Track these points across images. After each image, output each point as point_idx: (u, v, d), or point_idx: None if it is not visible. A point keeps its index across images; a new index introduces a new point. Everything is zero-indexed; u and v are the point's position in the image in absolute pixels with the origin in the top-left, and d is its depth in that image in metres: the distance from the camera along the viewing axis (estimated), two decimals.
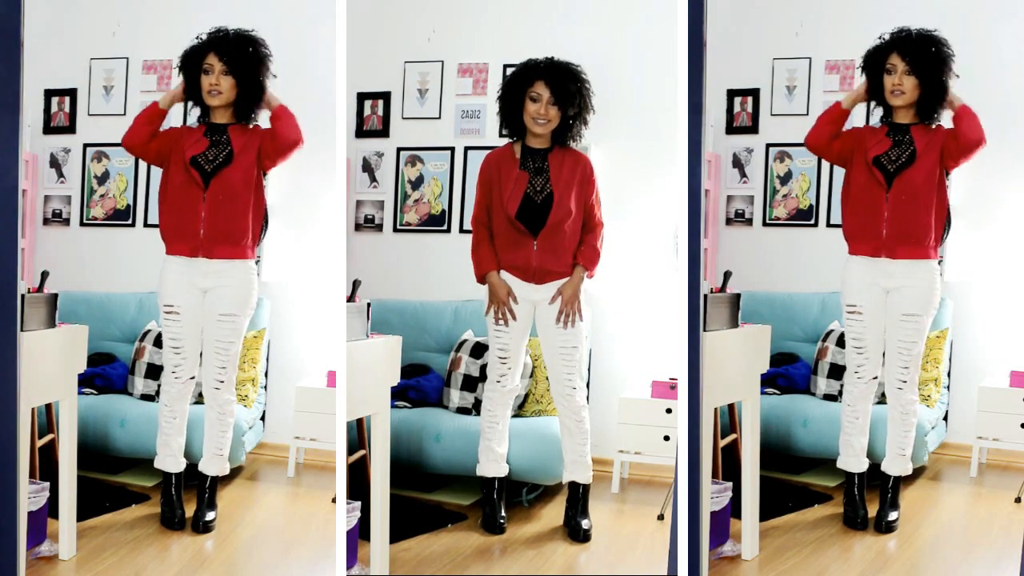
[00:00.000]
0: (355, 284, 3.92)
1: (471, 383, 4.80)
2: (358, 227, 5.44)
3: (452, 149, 5.35)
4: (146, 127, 4.11)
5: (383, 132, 5.44)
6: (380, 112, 5.44)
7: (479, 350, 4.81)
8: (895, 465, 4.25)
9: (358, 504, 3.71)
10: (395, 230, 5.41)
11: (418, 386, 4.88)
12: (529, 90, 4.08)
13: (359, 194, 5.45)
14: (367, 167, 5.45)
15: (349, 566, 3.67)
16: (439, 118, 5.37)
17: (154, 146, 4.13)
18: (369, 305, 3.92)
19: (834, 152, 4.17)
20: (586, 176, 4.16)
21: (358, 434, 4.24)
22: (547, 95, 4.06)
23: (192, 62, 4.10)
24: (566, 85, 4.06)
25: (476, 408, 4.76)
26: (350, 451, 4.11)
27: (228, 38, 4.08)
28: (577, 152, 4.18)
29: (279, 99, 4.11)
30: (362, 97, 5.45)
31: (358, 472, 4.15)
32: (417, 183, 5.39)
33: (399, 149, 5.42)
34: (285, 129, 4.06)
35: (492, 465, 4.28)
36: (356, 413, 3.80)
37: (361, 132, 5.46)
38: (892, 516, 4.20)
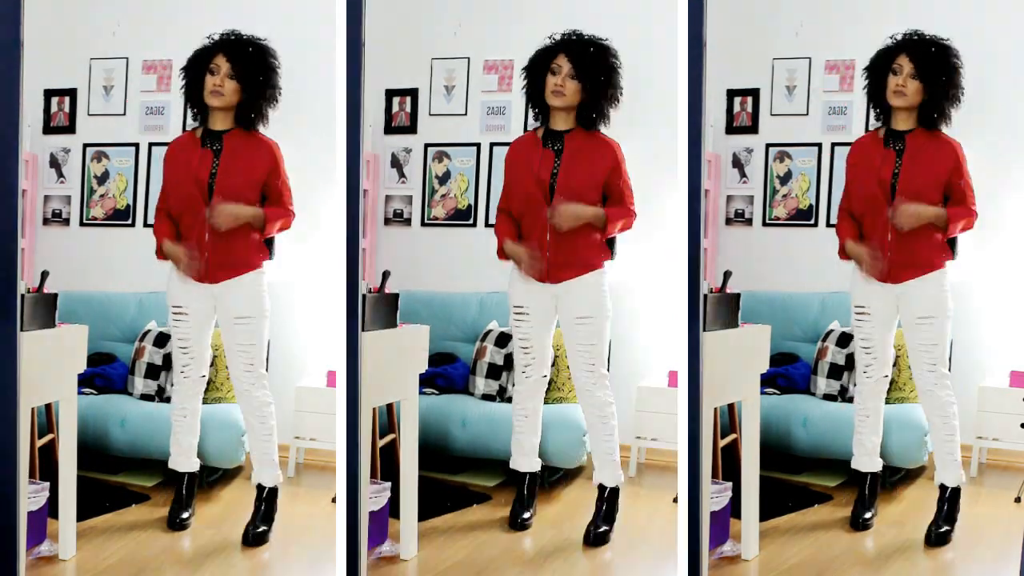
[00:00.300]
0: (385, 275, 4.03)
1: (496, 371, 4.90)
2: (387, 221, 5.46)
3: (478, 145, 5.37)
4: (164, 225, 4.12)
5: (411, 128, 5.46)
6: (408, 109, 5.46)
7: (504, 339, 4.86)
8: (947, 473, 4.15)
9: (388, 484, 3.83)
10: (423, 224, 5.44)
11: (445, 374, 4.98)
12: (551, 63, 4.06)
13: (388, 189, 5.47)
14: (395, 163, 5.47)
15: (379, 543, 3.91)
16: (465, 115, 5.39)
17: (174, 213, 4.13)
18: (398, 296, 4.03)
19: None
20: (606, 162, 4.09)
21: (388, 419, 4.33)
22: (567, 67, 4.04)
23: (198, 63, 4.10)
24: (586, 57, 4.01)
25: (500, 395, 4.87)
26: (381, 435, 4.23)
27: (240, 42, 4.08)
28: (602, 136, 4.13)
29: (289, 206, 4.16)
30: (390, 94, 5.47)
31: (388, 454, 4.27)
32: (444, 178, 5.42)
33: (426, 145, 5.44)
34: (271, 227, 4.16)
35: (523, 460, 4.28)
36: (386, 399, 4.07)
37: (389, 128, 5.48)
38: (945, 528, 4.12)
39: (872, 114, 4.16)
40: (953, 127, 4.06)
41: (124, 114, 5.28)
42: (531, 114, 4.18)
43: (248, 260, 4.15)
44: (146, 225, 5.26)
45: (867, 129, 4.16)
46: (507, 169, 4.21)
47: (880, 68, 4.06)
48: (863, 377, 4.22)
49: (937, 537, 4.11)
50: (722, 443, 4.16)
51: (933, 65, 3.98)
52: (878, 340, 4.16)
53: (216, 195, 4.08)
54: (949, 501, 4.17)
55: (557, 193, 4.07)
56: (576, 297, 4.12)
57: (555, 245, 4.09)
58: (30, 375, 3.55)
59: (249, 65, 4.06)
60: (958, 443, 4.19)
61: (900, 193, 4.01)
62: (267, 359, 5.02)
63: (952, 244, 4.10)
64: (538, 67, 4.08)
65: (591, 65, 4.01)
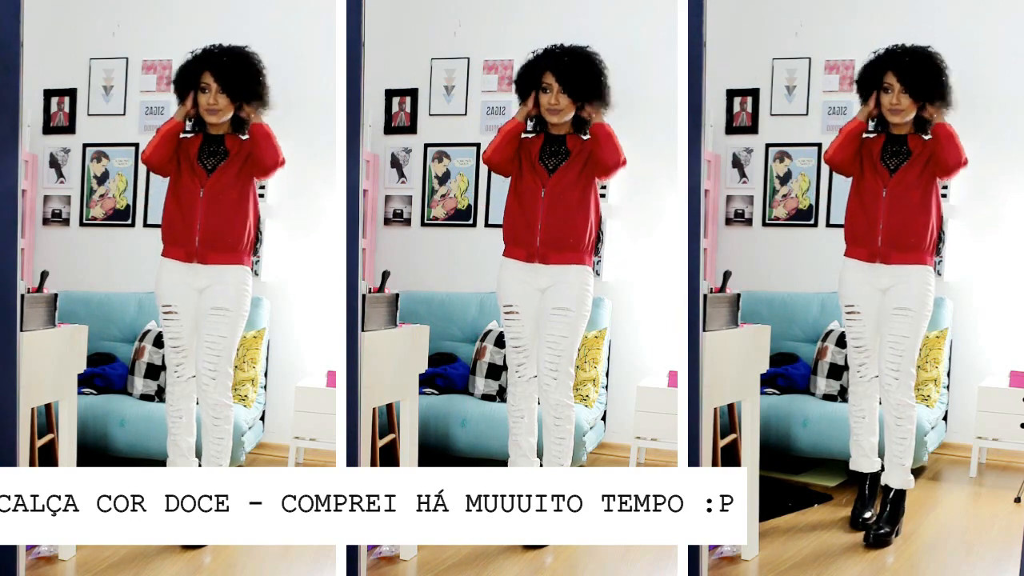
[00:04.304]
0: (384, 275, 4.03)
1: (495, 371, 4.93)
2: (387, 221, 5.48)
3: (478, 145, 5.37)
4: (171, 144, 4.14)
5: (411, 128, 5.47)
6: (408, 109, 5.47)
7: (503, 340, 4.86)
8: (893, 476, 4.14)
9: None
10: (423, 224, 5.46)
11: (445, 374, 5.02)
12: (541, 81, 4.09)
13: (388, 189, 5.49)
14: (395, 163, 5.48)
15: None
16: (465, 115, 5.40)
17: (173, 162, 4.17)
18: (398, 296, 4.04)
19: (854, 166, 4.15)
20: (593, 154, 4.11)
21: (388, 419, 4.32)
22: (556, 85, 4.07)
23: (188, 78, 4.13)
24: (572, 71, 4.06)
25: (500, 395, 4.91)
26: (381, 435, 4.22)
27: (222, 56, 4.11)
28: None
29: (259, 116, 4.12)
30: (390, 94, 5.48)
31: (388, 454, 4.27)
32: (444, 178, 5.43)
33: (426, 145, 5.45)
34: (261, 153, 4.11)
35: (521, 459, 4.27)
36: (386, 399, 4.05)
37: (389, 128, 5.49)
38: (885, 530, 4.09)
39: (868, 122, 4.15)
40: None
41: (124, 114, 5.28)
42: (527, 124, 4.19)
43: (238, 252, 4.15)
44: (146, 225, 5.27)
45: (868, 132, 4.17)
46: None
47: (869, 83, 4.08)
48: (856, 377, 4.22)
49: (876, 538, 4.05)
50: (722, 443, 4.16)
51: (920, 77, 4.00)
52: (869, 339, 4.16)
53: (210, 186, 4.10)
54: (892, 503, 4.13)
55: (552, 183, 4.08)
56: (558, 290, 4.13)
57: (547, 224, 4.10)
58: (30, 375, 3.55)
59: (236, 77, 4.10)
60: (910, 447, 4.12)
61: (893, 187, 4.05)
62: (266, 367, 5.02)
63: (939, 241, 4.12)
64: (527, 83, 4.12)
65: (579, 77, 4.06)
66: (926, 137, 4.08)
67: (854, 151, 4.13)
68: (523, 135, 4.21)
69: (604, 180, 4.22)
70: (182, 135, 4.19)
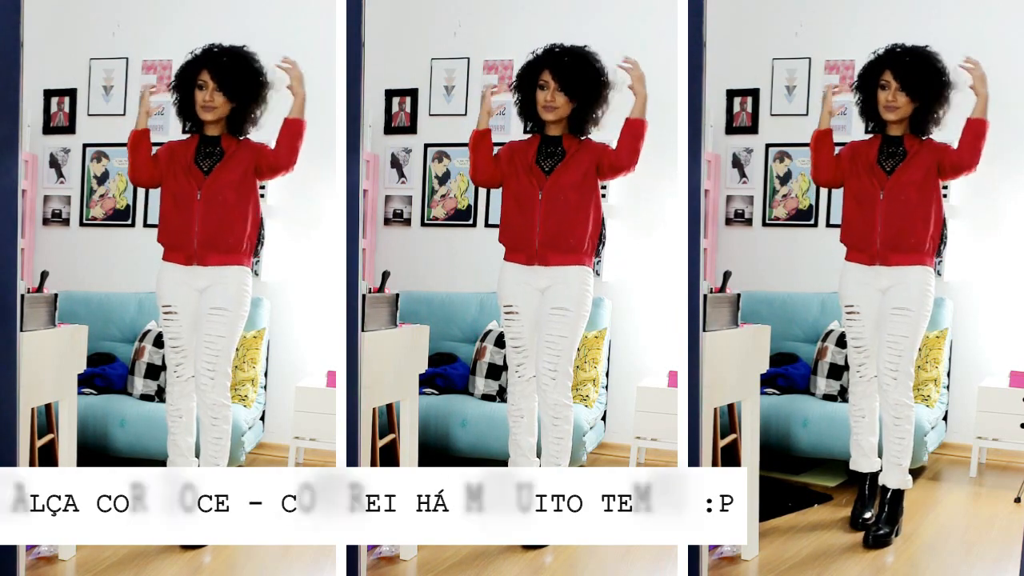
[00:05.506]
0: (384, 275, 4.04)
1: (495, 371, 4.95)
2: (387, 221, 5.48)
3: None
4: (143, 154, 4.15)
5: (411, 129, 5.47)
6: (408, 109, 5.47)
7: (503, 340, 4.86)
8: (891, 476, 4.14)
9: None
10: (423, 224, 5.46)
11: (445, 374, 5.03)
12: (539, 79, 4.09)
13: (388, 189, 5.49)
14: (395, 163, 5.48)
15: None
16: (465, 115, 5.40)
17: (160, 169, 4.16)
18: (398, 296, 4.05)
19: (843, 174, 4.15)
20: (597, 154, 4.11)
21: (388, 419, 4.32)
22: (553, 83, 4.07)
23: (186, 77, 4.13)
24: (570, 70, 4.06)
25: (500, 395, 4.92)
26: (381, 435, 4.23)
27: (221, 55, 4.11)
28: (592, 142, 4.15)
29: (302, 111, 4.12)
30: (390, 94, 5.48)
31: (388, 454, 4.28)
32: (444, 178, 5.44)
33: (426, 145, 5.45)
34: (283, 148, 4.11)
35: (521, 459, 4.27)
36: (386, 399, 4.06)
37: (389, 128, 5.49)
38: (884, 530, 4.09)
39: (867, 126, 4.16)
40: (944, 128, 4.09)
41: (124, 114, 5.28)
42: (525, 125, 4.19)
43: (237, 253, 4.15)
44: (146, 225, 5.27)
45: (866, 132, 4.18)
46: (505, 159, 4.18)
47: (868, 84, 4.09)
48: (856, 377, 4.22)
49: (875, 539, 4.05)
50: (722, 443, 4.16)
51: (917, 76, 4.01)
52: (869, 339, 4.17)
53: (207, 187, 4.10)
54: (890, 503, 4.13)
55: (549, 184, 4.08)
56: (557, 290, 4.13)
57: (545, 225, 4.10)
58: (30, 375, 3.55)
59: (234, 77, 4.11)
60: (908, 447, 4.11)
61: (890, 188, 4.05)
62: (266, 367, 5.02)
63: (942, 239, 4.13)
64: (526, 82, 4.12)
65: (576, 77, 4.06)
66: (923, 137, 4.09)
67: (830, 158, 4.14)
68: (521, 136, 4.21)
69: (606, 180, 4.20)
70: (183, 136, 4.19)
